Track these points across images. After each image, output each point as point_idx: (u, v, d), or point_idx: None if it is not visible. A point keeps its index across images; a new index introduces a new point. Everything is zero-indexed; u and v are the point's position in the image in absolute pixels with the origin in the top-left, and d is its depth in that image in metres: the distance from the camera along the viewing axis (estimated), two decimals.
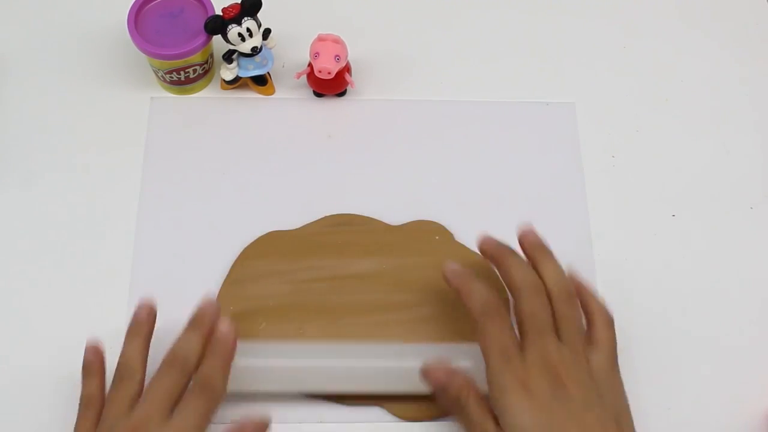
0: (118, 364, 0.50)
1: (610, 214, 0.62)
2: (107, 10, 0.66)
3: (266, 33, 0.61)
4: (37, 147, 0.63)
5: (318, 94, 0.65)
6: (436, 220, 0.60)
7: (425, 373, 0.50)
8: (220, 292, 0.58)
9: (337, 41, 0.61)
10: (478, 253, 0.57)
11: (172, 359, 0.49)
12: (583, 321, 0.51)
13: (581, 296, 0.52)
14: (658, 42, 0.70)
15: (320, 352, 0.54)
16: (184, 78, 0.63)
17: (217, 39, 0.60)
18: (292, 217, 0.60)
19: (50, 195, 0.61)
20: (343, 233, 0.60)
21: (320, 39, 0.61)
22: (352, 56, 0.63)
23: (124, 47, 0.64)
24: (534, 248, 0.53)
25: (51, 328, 0.57)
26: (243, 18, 0.59)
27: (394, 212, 0.61)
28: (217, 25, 0.59)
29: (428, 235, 0.60)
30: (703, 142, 0.66)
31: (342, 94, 0.65)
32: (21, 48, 0.66)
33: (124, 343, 0.51)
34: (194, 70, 0.63)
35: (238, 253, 0.59)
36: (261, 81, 0.64)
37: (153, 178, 0.62)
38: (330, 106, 0.65)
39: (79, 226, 0.60)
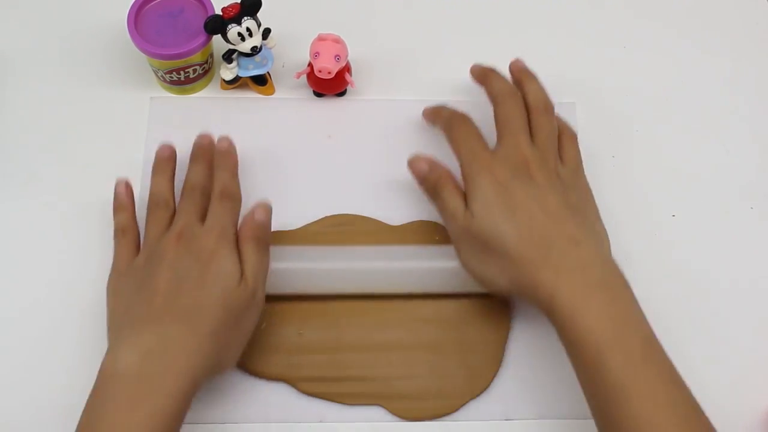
0: (150, 196, 0.55)
1: (610, 214, 0.62)
2: (107, 10, 0.66)
3: (266, 33, 0.61)
4: (37, 147, 0.63)
5: (318, 94, 0.65)
6: (436, 221, 0.60)
7: (410, 164, 0.56)
8: None
9: (337, 41, 0.61)
10: None
11: (190, 187, 0.55)
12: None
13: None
14: (659, 42, 0.70)
15: (348, 255, 0.56)
16: (184, 78, 0.63)
17: (217, 39, 0.60)
18: (293, 218, 0.60)
19: (50, 195, 0.61)
20: (343, 234, 0.60)
21: (320, 39, 0.61)
22: (352, 56, 0.63)
23: (124, 47, 0.63)
24: (519, 71, 0.59)
25: (51, 327, 0.57)
26: (243, 18, 0.59)
27: (394, 212, 0.61)
28: (217, 25, 0.59)
29: (428, 235, 0.60)
30: (703, 142, 0.66)
31: (342, 94, 0.65)
32: (21, 48, 0.66)
33: (152, 180, 0.56)
34: (194, 70, 0.63)
35: None
36: (261, 81, 0.64)
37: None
38: (330, 106, 0.65)
39: (78, 226, 0.60)
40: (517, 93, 0.57)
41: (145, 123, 0.64)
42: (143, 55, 0.60)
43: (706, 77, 0.68)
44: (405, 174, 0.62)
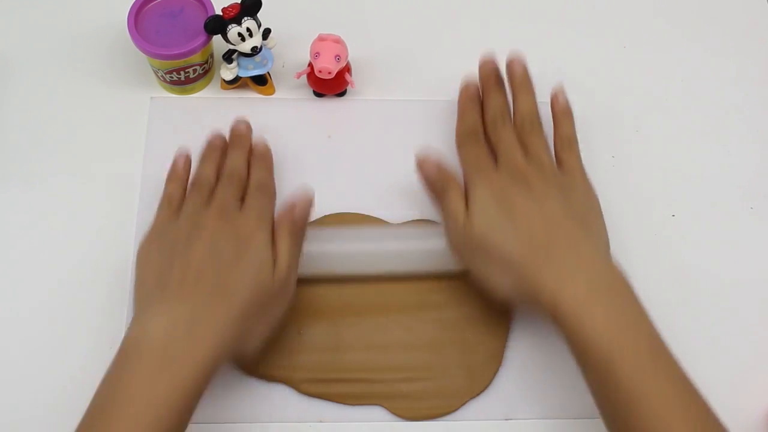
0: (195, 177, 0.56)
1: (610, 214, 0.62)
2: (107, 10, 0.66)
3: (266, 33, 0.61)
4: (37, 147, 0.63)
5: (318, 94, 0.65)
6: (434, 220, 0.60)
7: (419, 165, 0.56)
8: None
9: (337, 41, 0.61)
10: None
11: (229, 173, 0.56)
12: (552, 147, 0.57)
13: (555, 121, 0.59)
14: (658, 42, 0.70)
15: (355, 237, 0.57)
16: (184, 78, 0.63)
17: (217, 39, 0.60)
18: None
19: (50, 194, 0.61)
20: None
21: (320, 39, 0.61)
22: (352, 56, 0.63)
23: (124, 47, 0.64)
24: (515, 79, 0.60)
25: (50, 327, 0.57)
26: (243, 18, 0.59)
27: (393, 212, 0.61)
28: (217, 25, 0.59)
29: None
30: (703, 142, 0.66)
31: (342, 94, 0.65)
32: (21, 48, 0.66)
33: (199, 165, 0.57)
34: (194, 70, 0.63)
35: None
36: (261, 81, 0.64)
37: (153, 177, 0.61)
38: (330, 106, 0.65)
39: (78, 226, 0.60)
40: (507, 118, 0.58)
41: (145, 123, 0.64)
42: (143, 55, 0.60)
43: (706, 77, 0.68)
44: (405, 174, 0.63)
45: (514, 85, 0.60)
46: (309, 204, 0.54)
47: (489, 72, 0.60)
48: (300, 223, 0.53)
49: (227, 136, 0.60)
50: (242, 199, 0.54)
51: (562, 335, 0.49)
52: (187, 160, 0.58)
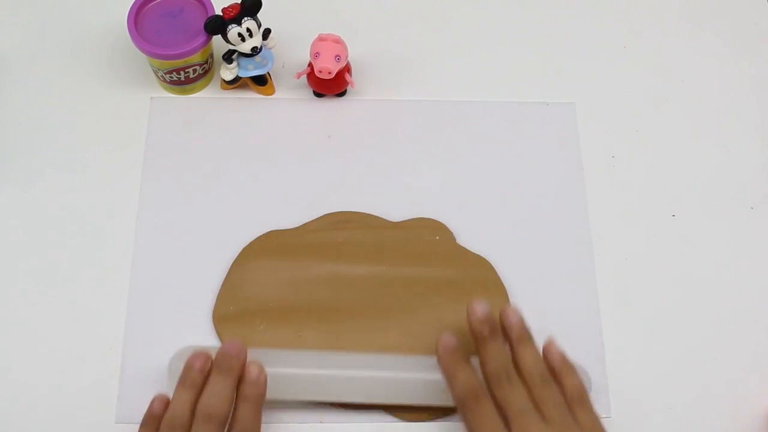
0: (169, 410, 0.50)
1: (610, 214, 0.62)
2: (107, 10, 0.66)
3: (266, 33, 0.61)
4: (37, 147, 0.63)
5: (318, 94, 0.65)
6: (434, 218, 0.61)
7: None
8: (219, 292, 0.58)
9: (337, 41, 0.61)
10: (477, 254, 0.59)
11: (206, 413, 0.49)
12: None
13: (559, 372, 0.52)
14: (658, 42, 0.70)
15: (323, 362, 0.54)
16: (184, 78, 0.63)
17: (217, 39, 0.60)
18: (292, 217, 0.60)
19: (50, 195, 0.61)
20: (342, 231, 0.60)
21: (320, 39, 0.61)
22: (352, 56, 0.63)
23: (124, 47, 0.63)
24: (513, 331, 0.53)
25: (50, 327, 0.57)
26: (243, 18, 0.59)
27: (393, 211, 0.61)
28: (217, 25, 0.59)
29: (429, 233, 0.60)
30: (703, 142, 0.66)
31: (342, 94, 0.65)
32: (21, 48, 0.66)
33: (174, 396, 0.50)
34: (194, 70, 0.63)
35: (238, 253, 0.59)
36: (261, 81, 0.64)
37: (153, 177, 0.62)
38: (330, 106, 0.65)
39: (78, 226, 0.60)
40: (512, 373, 0.51)
41: (145, 123, 0.64)
42: (143, 55, 0.60)
43: (706, 77, 0.68)
44: (405, 174, 0.63)
45: (512, 338, 0.53)
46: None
47: (480, 321, 0.53)
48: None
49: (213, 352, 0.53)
50: None
51: None
52: (164, 403, 0.51)
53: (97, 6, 0.68)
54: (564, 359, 0.53)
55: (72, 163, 0.62)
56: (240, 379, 0.51)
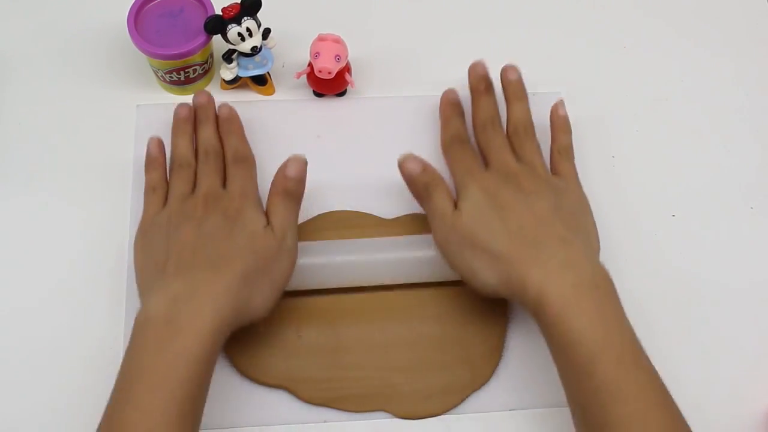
0: (173, 156, 0.58)
1: (610, 214, 0.62)
2: (107, 10, 0.66)
3: (266, 33, 0.61)
4: (37, 147, 0.63)
5: (318, 94, 0.65)
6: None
7: (401, 164, 0.56)
8: None
9: (337, 41, 0.61)
10: None
11: (204, 152, 0.58)
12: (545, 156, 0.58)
13: (552, 130, 0.60)
14: (658, 42, 0.70)
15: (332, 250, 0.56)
16: (184, 78, 0.63)
17: (217, 39, 0.60)
18: None
19: (50, 195, 0.61)
20: (337, 230, 0.60)
21: (320, 39, 0.61)
22: (352, 56, 0.63)
23: (124, 47, 0.63)
24: (509, 86, 0.60)
25: (50, 327, 0.57)
26: (243, 18, 0.59)
27: (393, 208, 0.61)
28: (217, 25, 0.59)
29: (422, 229, 0.60)
30: (703, 142, 0.66)
31: (342, 94, 0.65)
32: (21, 48, 0.66)
33: (173, 141, 0.59)
34: (194, 70, 0.63)
35: None
36: (261, 81, 0.64)
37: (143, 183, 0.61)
38: (330, 106, 0.65)
39: (79, 226, 0.60)
40: (496, 121, 0.59)
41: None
42: (143, 55, 0.60)
43: (706, 77, 0.68)
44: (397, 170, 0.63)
45: (508, 93, 0.60)
46: (301, 163, 0.55)
47: (479, 76, 0.61)
48: (293, 182, 0.55)
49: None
50: (224, 171, 0.57)
51: (544, 330, 0.50)
52: (160, 144, 0.59)
53: (97, 6, 0.68)
54: (566, 120, 0.60)
55: (72, 163, 0.62)
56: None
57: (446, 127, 0.60)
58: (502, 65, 0.62)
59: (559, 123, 0.60)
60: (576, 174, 0.58)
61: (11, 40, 0.67)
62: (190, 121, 0.60)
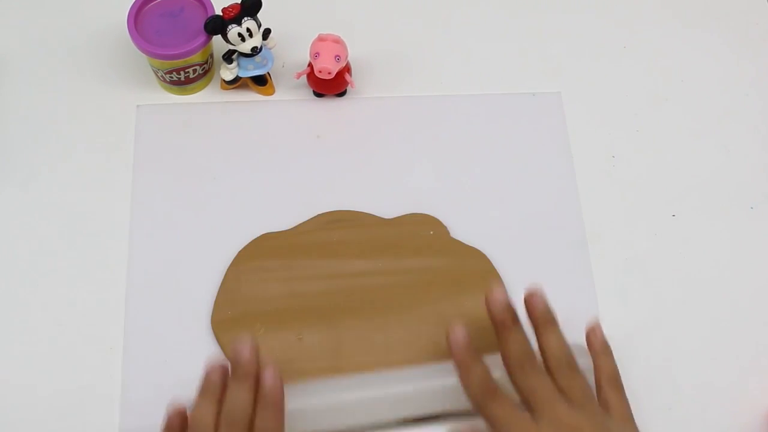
0: (191, 420, 0.49)
1: (610, 214, 0.62)
2: (107, 10, 0.66)
3: (266, 33, 0.61)
4: (37, 147, 0.63)
5: (318, 94, 0.65)
6: (431, 215, 0.61)
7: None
8: (217, 296, 0.57)
9: (337, 41, 0.61)
10: (472, 246, 0.59)
11: (230, 421, 0.48)
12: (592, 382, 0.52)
13: (593, 355, 0.53)
14: (658, 42, 0.70)
15: (331, 388, 0.53)
16: (184, 78, 0.63)
17: (217, 39, 0.60)
18: (289, 218, 0.60)
19: (50, 195, 0.61)
20: (336, 230, 0.60)
21: (320, 39, 0.61)
22: (352, 56, 0.63)
23: (124, 47, 0.63)
24: (537, 316, 0.52)
25: (49, 326, 0.57)
26: (243, 18, 0.59)
27: (387, 208, 0.61)
28: (217, 25, 0.59)
29: (423, 228, 0.60)
30: (703, 142, 0.66)
31: (342, 94, 0.65)
32: (20, 48, 0.66)
33: (196, 405, 0.49)
34: (194, 70, 0.62)
35: (234, 256, 0.59)
36: (261, 81, 0.64)
37: (144, 184, 0.61)
38: (330, 106, 0.65)
39: (79, 227, 0.60)
40: (533, 360, 0.50)
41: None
42: (143, 55, 0.60)
43: (706, 77, 0.68)
44: (397, 170, 0.63)
45: (538, 323, 0.52)
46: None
47: (502, 308, 0.52)
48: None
49: (229, 357, 0.52)
50: None
51: None
52: (181, 415, 0.50)
53: (96, 6, 0.68)
54: (605, 343, 0.53)
55: (72, 163, 0.62)
56: (258, 382, 0.50)
57: (467, 375, 0.50)
58: (526, 289, 0.53)
59: (599, 347, 0.53)
60: (629, 408, 0.51)
61: (11, 40, 0.67)
62: (222, 386, 0.50)
